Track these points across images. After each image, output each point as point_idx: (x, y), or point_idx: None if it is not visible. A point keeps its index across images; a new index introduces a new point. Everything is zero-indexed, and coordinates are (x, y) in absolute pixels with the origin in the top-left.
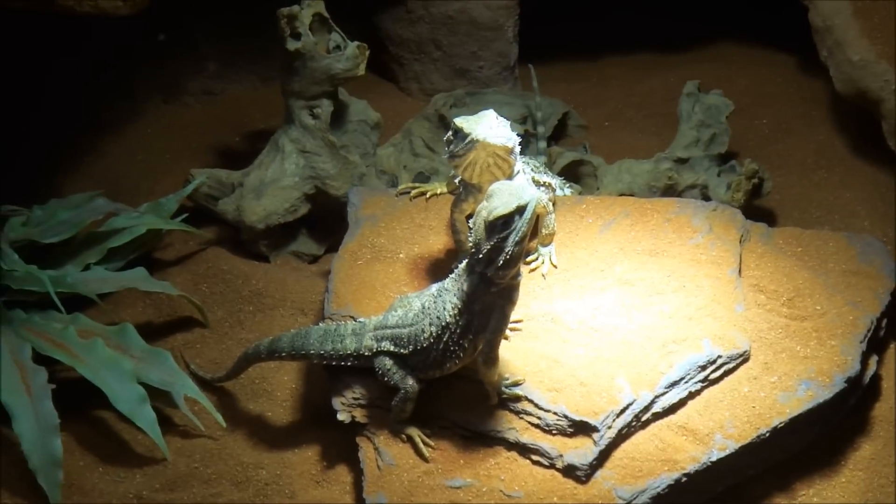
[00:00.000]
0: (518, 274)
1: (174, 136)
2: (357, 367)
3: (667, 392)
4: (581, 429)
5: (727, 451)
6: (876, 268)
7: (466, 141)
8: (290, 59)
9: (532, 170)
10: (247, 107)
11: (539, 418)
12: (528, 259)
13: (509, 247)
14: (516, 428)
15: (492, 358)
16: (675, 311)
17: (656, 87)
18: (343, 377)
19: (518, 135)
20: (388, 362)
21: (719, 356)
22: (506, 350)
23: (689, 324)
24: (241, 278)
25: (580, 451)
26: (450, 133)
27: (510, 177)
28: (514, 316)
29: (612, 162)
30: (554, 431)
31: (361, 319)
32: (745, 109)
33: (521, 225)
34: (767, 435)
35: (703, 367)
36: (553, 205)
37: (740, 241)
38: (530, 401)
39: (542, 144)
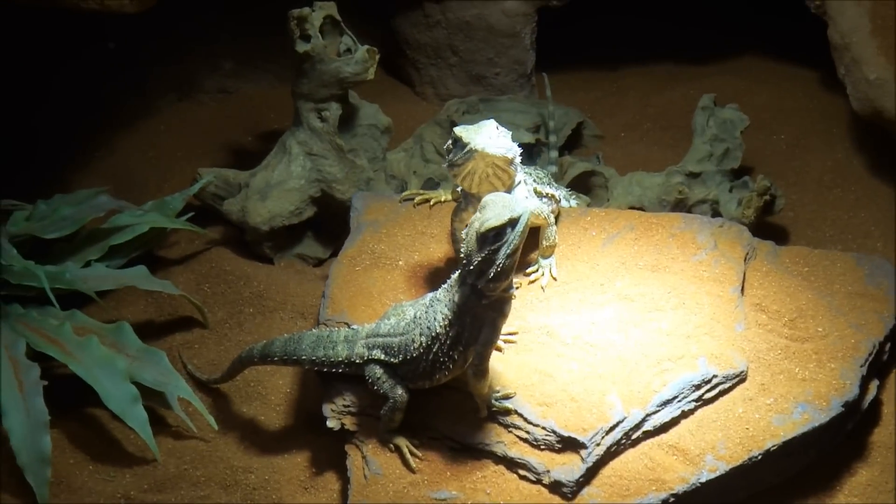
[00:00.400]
0: (510, 287)
1: (187, 133)
2: (349, 375)
3: (659, 410)
4: (569, 445)
5: (717, 473)
6: (883, 290)
7: (465, 150)
8: (300, 61)
9: (535, 181)
10: (261, 106)
11: (528, 433)
12: (528, 271)
13: (500, 259)
14: (505, 442)
15: (482, 370)
16: (673, 328)
17: (675, 99)
18: (335, 384)
19: (527, 144)
20: (379, 371)
21: (715, 376)
22: (498, 362)
23: (686, 342)
24: (243, 279)
25: (567, 467)
26: (450, 141)
27: (511, 187)
28: (509, 328)
29: (625, 174)
30: (542, 446)
31: (354, 326)
32: (764, 124)
33: (513, 238)
34: (760, 457)
35: (698, 387)
36: (557, 216)
37: (745, 259)
38: (520, 415)
39: (554, 154)
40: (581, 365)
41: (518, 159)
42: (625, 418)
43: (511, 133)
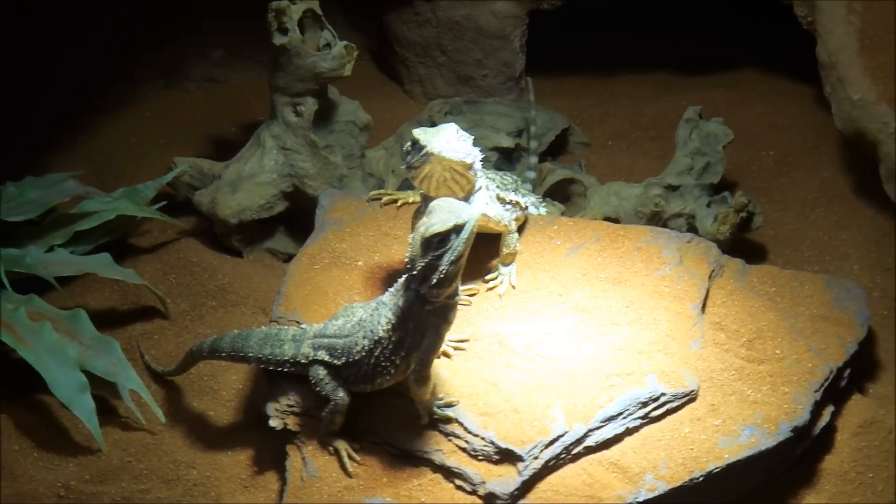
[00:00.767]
0: (455, 294)
1: (171, 121)
2: (295, 374)
3: (603, 426)
4: (507, 457)
5: (656, 493)
6: (849, 315)
7: (422, 153)
8: (276, 54)
9: (498, 186)
10: (249, 97)
11: (467, 442)
12: (487, 277)
13: (444, 266)
14: (443, 450)
15: (423, 377)
16: (626, 343)
17: (667, 109)
18: (281, 383)
19: (506, 149)
20: (322, 372)
21: (663, 394)
22: (446, 369)
23: (637, 358)
24: (208, 272)
25: (503, 479)
26: (409, 143)
27: (470, 193)
28: (461, 335)
29: (606, 183)
30: (480, 457)
31: (303, 326)
32: (754, 139)
33: (457, 244)
34: (701, 479)
35: (645, 404)
36: (524, 224)
37: (710, 276)
38: (460, 424)
39: (534, 160)
40: (529, 376)
41: (478, 165)
42: (566, 432)
43: (472, 138)
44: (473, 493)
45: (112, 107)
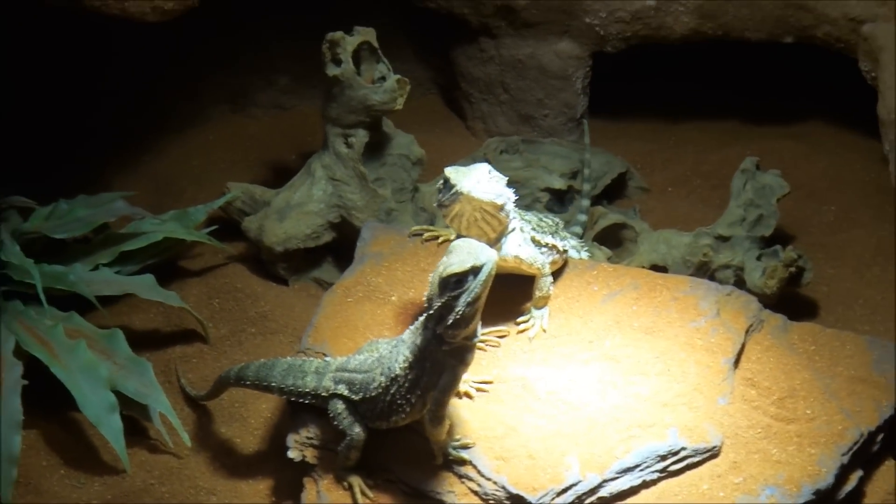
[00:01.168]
0: (473, 335)
1: (235, 146)
2: (316, 406)
3: (618, 477)
4: (517, 503)
5: None
6: (887, 378)
7: (452, 192)
8: (330, 85)
9: (534, 229)
10: (313, 125)
11: (479, 486)
12: (519, 320)
13: (460, 307)
14: (456, 492)
15: (438, 417)
16: (652, 394)
17: (731, 158)
18: (303, 415)
19: (558, 190)
20: (341, 406)
21: (683, 448)
22: (466, 410)
23: (661, 410)
24: (251, 298)
25: None
26: (440, 181)
27: (502, 234)
28: (486, 376)
29: (658, 230)
30: (491, 501)
31: (328, 358)
32: (817, 193)
33: (474, 286)
34: None
35: (664, 457)
36: (563, 267)
37: (747, 331)
38: (474, 466)
39: (586, 202)
40: (549, 422)
41: (511, 206)
42: (579, 481)
43: (506, 179)
44: None
45: (177, 128)
